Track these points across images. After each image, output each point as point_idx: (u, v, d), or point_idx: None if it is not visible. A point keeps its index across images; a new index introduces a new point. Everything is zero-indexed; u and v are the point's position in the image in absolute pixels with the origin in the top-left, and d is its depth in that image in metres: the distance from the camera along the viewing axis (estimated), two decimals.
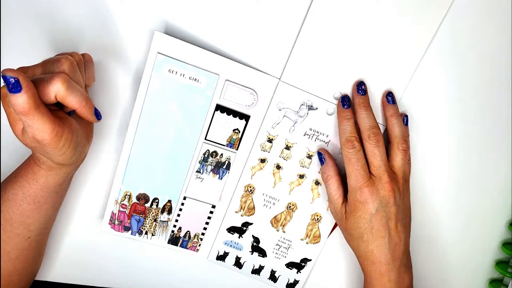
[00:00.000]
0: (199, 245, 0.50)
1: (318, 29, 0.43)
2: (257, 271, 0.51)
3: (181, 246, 0.49)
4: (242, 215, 0.49)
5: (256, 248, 0.50)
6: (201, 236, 0.49)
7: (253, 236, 0.50)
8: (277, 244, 0.50)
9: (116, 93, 0.45)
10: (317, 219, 0.49)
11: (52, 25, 0.42)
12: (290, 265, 0.51)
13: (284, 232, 0.49)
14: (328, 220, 0.49)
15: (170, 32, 0.43)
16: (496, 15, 0.43)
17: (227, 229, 0.49)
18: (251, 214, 0.49)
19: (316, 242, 0.50)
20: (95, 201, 0.48)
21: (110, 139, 0.46)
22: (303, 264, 0.51)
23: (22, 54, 0.43)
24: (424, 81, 0.45)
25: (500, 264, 0.51)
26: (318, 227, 0.49)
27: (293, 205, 0.48)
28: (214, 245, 0.50)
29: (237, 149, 0.46)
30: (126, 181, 0.46)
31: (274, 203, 0.48)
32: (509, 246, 0.50)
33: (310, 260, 0.50)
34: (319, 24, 0.43)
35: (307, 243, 0.50)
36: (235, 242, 0.50)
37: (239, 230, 0.50)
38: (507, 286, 0.50)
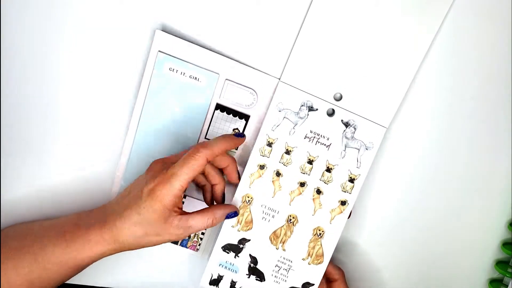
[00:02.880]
0: (199, 245, 0.50)
1: (318, 29, 0.43)
2: None
3: (181, 245, 0.49)
4: (239, 230, 0.45)
5: (254, 270, 0.46)
6: (201, 236, 0.49)
7: (250, 255, 0.46)
8: (276, 265, 0.46)
9: (117, 91, 0.45)
10: (320, 234, 0.45)
11: (52, 25, 0.42)
12: None
13: (284, 250, 0.46)
14: (331, 236, 0.46)
15: (171, 30, 0.43)
16: (498, 14, 0.43)
17: (222, 247, 0.46)
18: (248, 229, 0.45)
19: (319, 263, 0.46)
20: (95, 201, 0.48)
21: (110, 138, 0.46)
22: None
23: (22, 54, 0.43)
24: (425, 81, 0.45)
25: (500, 264, 0.51)
26: (321, 244, 0.45)
27: (293, 217, 0.45)
28: (207, 267, 0.46)
29: (236, 149, 0.46)
30: (127, 179, 0.46)
31: (273, 216, 0.45)
32: (509, 246, 0.50)
33: (313, 285, 0.46)
34: (319, 24, 0.43)
35: (309, 263, 0.46)
36: (231, 263, 0.46)
37: (235, 248, 0.46)
38: (507, 286, 0.50)
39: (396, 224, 0.50)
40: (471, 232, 0.50)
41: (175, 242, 0.49)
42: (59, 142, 0.45)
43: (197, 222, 0.39)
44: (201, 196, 0.47)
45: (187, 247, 0.49)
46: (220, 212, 0.42)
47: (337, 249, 0.51)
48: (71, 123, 0.45)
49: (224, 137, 0.41)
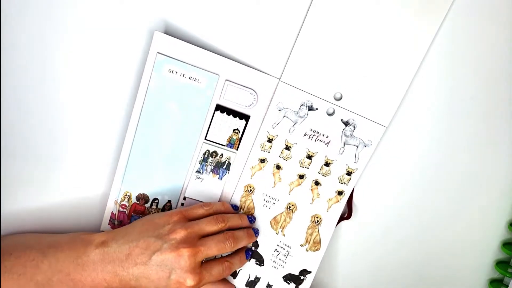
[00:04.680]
0: None
1: (318, 29, 0.43)
2: (252, 283, 0.48)
3: None
4: None
5: (254, 253, 0.48)
6: None
7: None
8: (275, 250, 0.48)
9: (116, 93, 0.45)
10: (317, 221, 0.48)
11: (51, 26, 0.42)
12: (288, 278, 0.48)
13: (283, 235, 0.48)
14: (328, 224, 0.48)
15: (170, 32, 0.43)
16: (498, 14, 0.43)
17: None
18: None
19: (316, 250, 0.48)
20: (95, 202, 0.48)
21: (109, 139, 0.46)
22: (301, 277, 0.48)
23: (22, 55, 0.42)
24: (424, 81, 0.45)
25: (500, 264, 0.51)
26: (318, 231, 0.48)
27: (292, 205, 0.48)
28: None
29: (237, 149, 0.46)
30: (126, 181, 0.46)
31: (273, 203, 0.48)
32: (509, 246, 0.50)
33: (310, 272, 0.48)
34: (319, 24, 0.43)
35: (306, 250, 0.48)
36: None
37: None
38: (507, 286, 0.50)
39: (396, 223, 0.50)
40: (471, 232, 0.50)
41: None
42: (56, 144, 0.45)
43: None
44: (201, 197, 0.47)
45: None
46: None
47: (335, 248, 0.51)
48: (69, 124, 0.45)
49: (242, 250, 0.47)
